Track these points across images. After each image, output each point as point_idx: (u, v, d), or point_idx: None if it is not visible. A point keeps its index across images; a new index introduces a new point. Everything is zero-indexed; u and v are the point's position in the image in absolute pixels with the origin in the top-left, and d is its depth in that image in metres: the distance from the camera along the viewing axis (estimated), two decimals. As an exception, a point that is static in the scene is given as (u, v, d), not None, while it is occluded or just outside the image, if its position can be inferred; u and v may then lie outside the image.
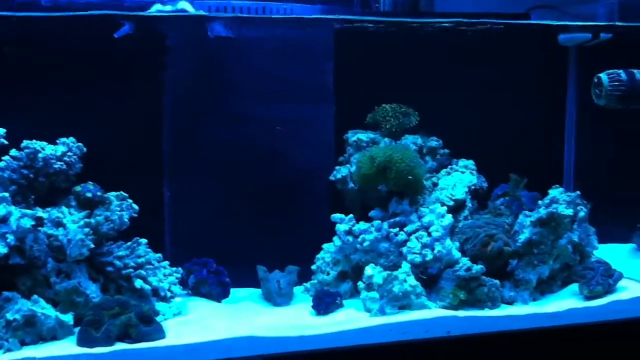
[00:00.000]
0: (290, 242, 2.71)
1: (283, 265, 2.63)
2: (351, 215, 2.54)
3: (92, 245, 2.30)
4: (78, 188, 2.44)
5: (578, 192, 2.68)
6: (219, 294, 2.52)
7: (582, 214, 2.63)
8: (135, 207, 2.50)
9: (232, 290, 2.58)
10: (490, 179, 2.89)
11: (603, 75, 2.64)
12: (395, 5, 3.26)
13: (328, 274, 2.58)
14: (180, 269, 2.54)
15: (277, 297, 2.51)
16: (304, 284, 2.63)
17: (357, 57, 2.83)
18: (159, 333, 2.20)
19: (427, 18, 2.94)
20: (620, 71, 2.64)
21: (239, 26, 2.54)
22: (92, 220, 2.35)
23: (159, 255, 2.50)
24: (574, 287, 2.56)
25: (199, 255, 2.62)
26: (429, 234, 2.48)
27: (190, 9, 2.47)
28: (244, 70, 2.62)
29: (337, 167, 2.77)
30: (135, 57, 2.60)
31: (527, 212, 2.58)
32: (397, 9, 3.22)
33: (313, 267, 2.63)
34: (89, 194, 2.41)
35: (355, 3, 3.28)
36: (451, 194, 2.69)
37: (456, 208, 2.70)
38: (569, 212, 2.54)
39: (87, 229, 2.29)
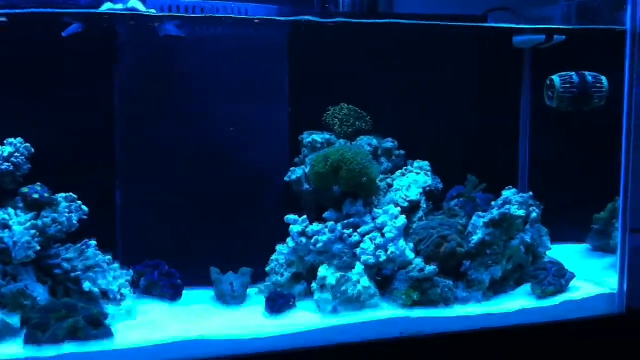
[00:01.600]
0: (245, 244, 2.71)
1: (237, 266, 2.63)
2: (305, 216, 2.55)
3: (39, 248, 2.27)
4: (25, 189, 2.41)
5: (530, 193, 2.74)
6: (171, 296, 2.51)
7: (534, 214, 2.69)
8: (85, 208, 2.48)
9: (185, 291, 2.57)
10: (445, 180, 2.93)
11: (555, 78, 2.70)
12: (354, 6, 3.28)
13: (282, 275, 2.58)
14: (131, 271, 2.52)
15: (230, 299, 2.51)
16: (258, 285, 2.64)
17: (313, 58, 2.86)
18: (108, 336, 2.19)
19: (385, 19, 2.97)
20: (572, 73, 2.70)
21: (190, 26, 2.53)
22: (39, 222, 2.33)
23: (109, 257, 2.48)
24: (527, 287, 2.61)
25: (152, 256, 2.61)
26: (383, 235, 2.50)
27: (141, 7, 2.45)
28: (195, 70, 2.62)
29: (292, 168, 2.78)
30: (84, 57, 2.58)
31: (480, 213, 2.62)
32: (355, 9, 3.25)
33: (267, 268, 2.63)
34: (36, 195, 2.38)
35: (315, 4, 3.30)
36: (406, 195, 2.72)
37: (411, 209, 2.73)
38: (521, 213, 2.59)
39: (33, 231, 2.27)
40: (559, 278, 2.58)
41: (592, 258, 3.04)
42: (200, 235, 2.70)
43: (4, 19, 2.40)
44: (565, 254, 3.01)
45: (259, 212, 2.74)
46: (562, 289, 2.57)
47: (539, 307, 2.49)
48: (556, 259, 2.73)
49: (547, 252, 2.77)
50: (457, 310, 2.44)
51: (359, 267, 2.44)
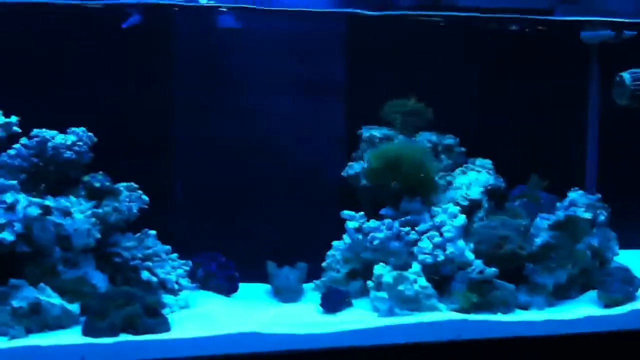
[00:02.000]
0: (300, 239, 2.71)
1: (293, 261, 2.63)
2: (361, 212, 2.52)
3: (98, 236, 2.32)
4: (87, 178, 2.45)
5: (598, 195, 2.64)
6: (228, 289, 2.52)
7: (601, 218, 2.59)
8: (145, 198, 2.51)
9: (241, 285, 2.58)
10: (509, 179, 2.85)
11: (625, 74, 2.59)
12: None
13: (338, 271, 2.56)
14: (189, 261, 2.54)
15: (286, 294, 2.51)
16: (314, 281, 2.62)
17: (373, 51, 2.82)
18: (164, 326, 2.21)
19: (449, 11, 2.91)
20: (643, 70, 2.59)
21: (248, 18, 2.53)
22: (100, 211, 2.37)
23: (168, 247, 2.51)
24: (593, 293, 2.52)
25: (208, 249, 2.63)
26: (441, 234, 2.45)
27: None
28: (252, 62, 2.62)
29: (350, 163, 2.76)
30: (144, 48, 2.61)
31: (544, 215, 2.54)
32: (418, 1, 3.19)
33: (324, 264, 2.61)
34: (97, 184, 2.42)
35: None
36: (466, 194, 2.66)
37: (471, 208, 2.66)
38: (588, 215, 2.50)
39: (93, 219, 2.31)
40: (627, 285, 2.48)
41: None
42: (256, 229, 2.71)
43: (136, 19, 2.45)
44: (636, 260, 2.90)
45: (314, 207, 2.74)
46: (630, 296, 2.46)
47: (605, 315, 2.39)
48: (625, 265, 2.63)
49: (615, 257, 2.67)
50: (518, 315, 2.37)
51: (415, 267, 2.40)
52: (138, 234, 2.48)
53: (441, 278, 2.46)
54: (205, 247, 2.63)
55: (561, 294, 2.51)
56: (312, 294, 2.56)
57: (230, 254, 2.62)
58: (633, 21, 2.88)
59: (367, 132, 2.81)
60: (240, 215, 2.70)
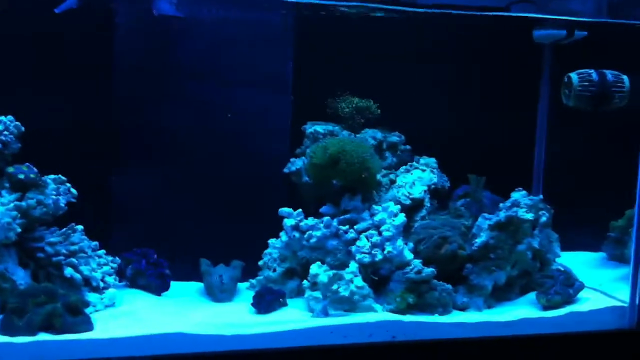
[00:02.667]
0: (241, 236, 2.63)
1: (232, 259, 2.56)
2: (299, 210, 2.46)
3: (19, 230, 2.22)
4: (11, 169, 2.34)
5: (540, 196, 2.61)
6: (158, 287, 2.44)
7: (543, 219, 2.55)
8: (74, 191, 2.41)
9: (174, 283, 2.50)
10: (455, 179, 2.81)
11: (573, 75, 2.56)
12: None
13: (274, 270, 2.50)
14: (117, 258, 2.45)
15: (219, 293, 2.44)
16: (250, 280, 2.55)
17: (322, 46, 2.75)
18: (86, 325, 2.12)
19: (402, 7, 2.85)
20: (592, 71, 2.56)
21: (189, 5, 2.45)
22: (23, 204, 2.27)
23: (96, 243, 2.42)
24: (533, 295, 2.48)
25: (145, 245, 2.55)
26: (380, 233, 2.39)
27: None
28: (193, 53, 2.54)
29: (292, 159, 2.69)
30: (81, 35, 2.51)
31: (486, 215, 2.49)
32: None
33: (260, 262, 2.54)
34: (21, 176, 2.32)
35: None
36: (409, 193, 2.61)
37: (413, 207, 2.62)
38: (529, 216, 2.46)
39: (14, 212, 2.21)
40: (567, 287, 2.45)
41: (607, 268, 2.90)
42: (195, 225, 2.62)
43: (70, 2, 2.35)
44: (579, 262, 2.89)
45: (256, 203, 2.65)
46: (569, 299, 2.44)
47: (542, 318, 2.36)
48: (566, 267, 2.60)
49: (557, 259, 2.64)
50: (455, 317, 2.33)
51: (353, 266, 2.34)
52: (64, 229, 2.37)
53: (380, 278, 2.41)
54: (139, 243, 2.54)
55: (501, 295, 2.47)
56: (246, 293, 2.49)
57: (166, 250, 2.54)
58: (586, 20, 2.84)
59: (311, 127, 2.75)
60: (178, 210, 2.61)
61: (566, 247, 2.88)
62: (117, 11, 2.50)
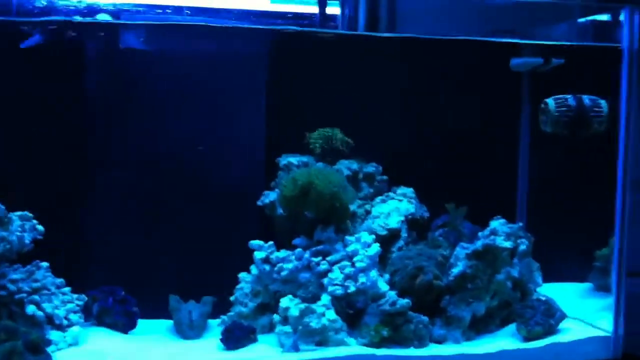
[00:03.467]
0: (214, 270, 2.58)
1: (204, 295, 2.49)
2: (271, 242, 2.40)
3: (-21, 267, 2.17)
4: (-25, 206, 2.31)
5: (520, 224, 2.56)
6: (125, 325, 2.37)
7: (523, 247, 2.50)
8: (40, 228, 2.36)
9: (143, 321, 2.44)
10: (435, 210, 2.76)
11: (549, 100, 2.53)
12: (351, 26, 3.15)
13: (246, 305, 2.43)
14: (83, 295, 2.39)
15: (188, 330, 2.37)
16: (222, 316, 2.49)
17: (297, 74, 2.73)
18: (47, 364, 2.06)
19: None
20: (569, 96, 2.53)
21: (157, 37, 2.44)
22: (-15, 240, 2.22)
23: (61, 280, 2.36)
24: (513, 327, 2.41)
25: (114, 282, 2.49)
26: (353, 265, 2.33)
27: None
28: (164, 84, 2.53)
29: (266, 192, 2.65)
30: (51, 68, 2.51)
31: (464, 244, 2.43)
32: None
33: (232, 297, 2.48)
34: (-16, 212, 2.28)
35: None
36: (385, 223, 2.56)
37: (390, 238, 2.56)
38: (508, 244, 2.40)
39: (-26, 249, 2.17)
40: (548, 317, 2.37)
41: (592, 297, 2.82)
42: (166, 260, 2.57)
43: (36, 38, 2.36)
44: (564, 292, 2.81)
45: (229, 236, 2.60)
46: (550, 329, 2.36)
47: (523, 349, 2.28)
48: (547, 297, 2.53)
49: (538, 289, 2.57)
50: (432, 350, 2.25)
51: (325, 299, 2.28)
52: (28, 266, 2.32)
53: (355, 311, 2.34)
54: (108, 280, 2.49)
55: (480, 327, 2.40)
56: (217, 330, 2.41)
57: (135, 287, 2.48)
58: (563, 44, 2.82)
59: (284, 159, 2.71)
60: (147, 245, 2.56)
61: (553, 278, 2.83)
62: (84, 46, 2.49)
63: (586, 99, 2.54)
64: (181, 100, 2.59)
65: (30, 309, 2.21)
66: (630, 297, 2.36)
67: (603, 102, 2.54)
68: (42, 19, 2.33)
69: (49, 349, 2.13)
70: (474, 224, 2.68)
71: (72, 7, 2.33)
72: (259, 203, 2.65)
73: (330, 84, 2.80)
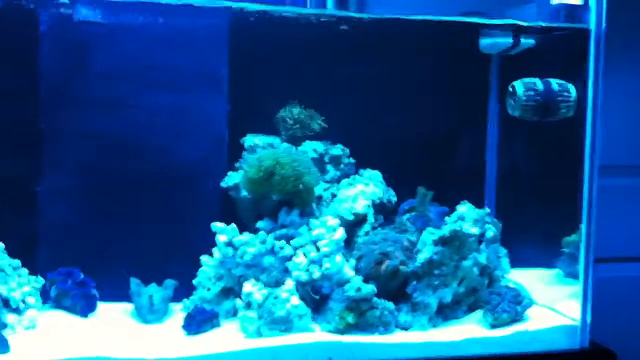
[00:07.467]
0: (176, 253, 2.55)
1: (166, 277, 2.48)
2: (233, 225, 2.39)
3: None
4: None
5: (487, 210, 2.58)
6: (83, 308, 2.35)
7: (490, 233, 2.52)
8: (-5, 207, 2.33)
9: (102, 304, 2.42)
10: (402, 193, 2.76)
11: (517, 84, 2.53)
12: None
13: (209, 289, 2.42)
14: (40, 278, 2.36)
15: (148, 314, 2.35)
16: (184, 300, 2.47)
17: (262, 52, 2.70)
18: (2, 347, 2.04)
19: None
20: (536, 80, 2.54)
21: (112, 10, 2.39)
22: (-64, 220, 2.18)
23: (17, 261, 2.33)
24: (481, 313, 2.43)
25: (73, 262, 2.46)
26: (318, 249, 2.33)
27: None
28: (120, 58, 2.47)
29: (230, 173, 2.62)
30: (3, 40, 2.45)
31: (431, 229, 2.44)
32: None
33: (194, 281, 2.47)
34: None
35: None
36: (351, 207, 2.55)
37: (357, 223, 2.56)
38: (475, 231, 2.42)
39: None
40: (515, 305, 2.40)
41: (560, 284, 2.85)
42: (126, 242, 2.54)
43: None
44: (532, 279, 2.84)
45: (191, 217, 2.58)
46: (517, 317, 2.39)
47: (489, 337, 2.31)
48: (516, 283, 2.56)
49: (506, 275, 2.60)
50: (397, 337, 2.26)
51: (289, 284, 2.28)
52: (-19, 247, 2.29)
53: (321, 296, 2.35)
54: (66, 262, 2.46)
55: (448, 313, 2.42)
56: (179, 315, 2.41)
57: (95, 268, 2.45)
58: (531, 25, 2.82)
59: (250, 140, 2.69)
60: (107, 224, 2.52)
61: (521, 264, 2.85)
62: (38, 16, 2.43)
63: (554, 83, 2.55)
64: (139, 77, 2.53)
65: (-15, 292, 2.19)
66: (597, 283, 2.40)
67: (571, 87, 2.55)
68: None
69: (4, 332, 2.11)
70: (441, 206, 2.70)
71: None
72: (222, 184, 2.63)
73: (297, 62, 2.78)
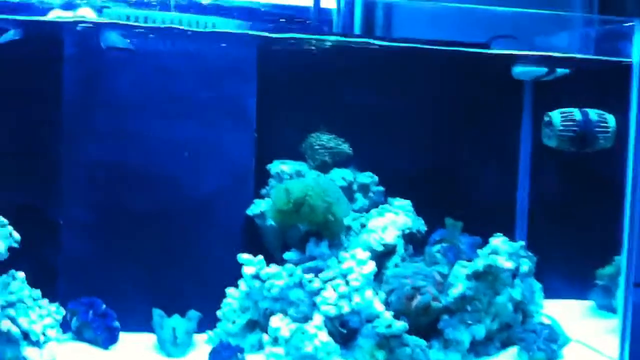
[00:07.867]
0: (199, 284, 2.50)
1: (189, 308, 2.41)
2: (260, 257, 2.33)
3: (-49, 279, 2.08)
4: (-54, 211, 2.22)
5: (522, 243, 2.50)
6: (105, 340, 2.29)
7: (524, 267, 2.44)
8: (16, 236, 2.28)
9: (125, 335, 2.36)
10: (432, 223, 2.69)
11: (554, 114, 2.47)
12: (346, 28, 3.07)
13: (234, 322, 2.35)
14: (61, 308, 2.31)
15: (171, 347, 2.29)
16: (208, 332, 2.41)
17: (289, 79, 2.66)
18: (22, 383, 1.99)
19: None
20: (575, 110, 2.47)
21: (142, 38, 2.35)
22: (-43, 249, 2.13)
23: (38, 291, 2.28)
24: (514, 350, 2.36)
25: (94, 293, 2.41)
26: (347, 283, 2.26)
27: (91, 15, 2.26)
28: (148, 87, 2.43)
29: (256, 201, 2.56)
30: (28, 66, 2.41)
31: (463, 262, 2.37)
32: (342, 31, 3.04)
33: (218, 313, 2.40)
34: (-43, 220, 2.19)
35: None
36: (380, 238, 2.49)
37: (386, 254, 2.49)
38: (509, 265, 2.34)
39: (-55, 259, 2.07)
40: (550, 342, 2.32)
41: (595, 318, 2.77)
42: (149, 272, 2.49)
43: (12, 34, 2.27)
44: (563, 310, 2.75)
45: (215, 248, 2.52)
46: (553, 355, 2.31)
47: (523, 376, 2.23)
48: (550, 318, 2.47)
49: (540, 310, 2.52)
50: (428, 375, 2.19)
51: (317, 319, 2.21)
52: (3, 276, 2.23)
53: (349, 331, 2.28)
54: (88, 292, 2.40)
55: (479, 350, 2.34)
56: (203, 347, 2.34)
57: (120, 299, 2.40)
58: (567, 56, 2.76)
59: (276, 166, 2.63)
60: (129, 255, 2.47)
61: (552, 294, 2.77)
62: (64, 43, 2.39)
63: (592, 113, 2.49)
64: (166, 103, 2.49)
65: (5, 325, 2.13)
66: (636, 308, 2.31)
67: (610, 117, 2.49)
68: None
69: (24, 368, 2.06)
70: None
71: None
72: (248, 212, 2.57)
73: (324, 88, 2.74)
